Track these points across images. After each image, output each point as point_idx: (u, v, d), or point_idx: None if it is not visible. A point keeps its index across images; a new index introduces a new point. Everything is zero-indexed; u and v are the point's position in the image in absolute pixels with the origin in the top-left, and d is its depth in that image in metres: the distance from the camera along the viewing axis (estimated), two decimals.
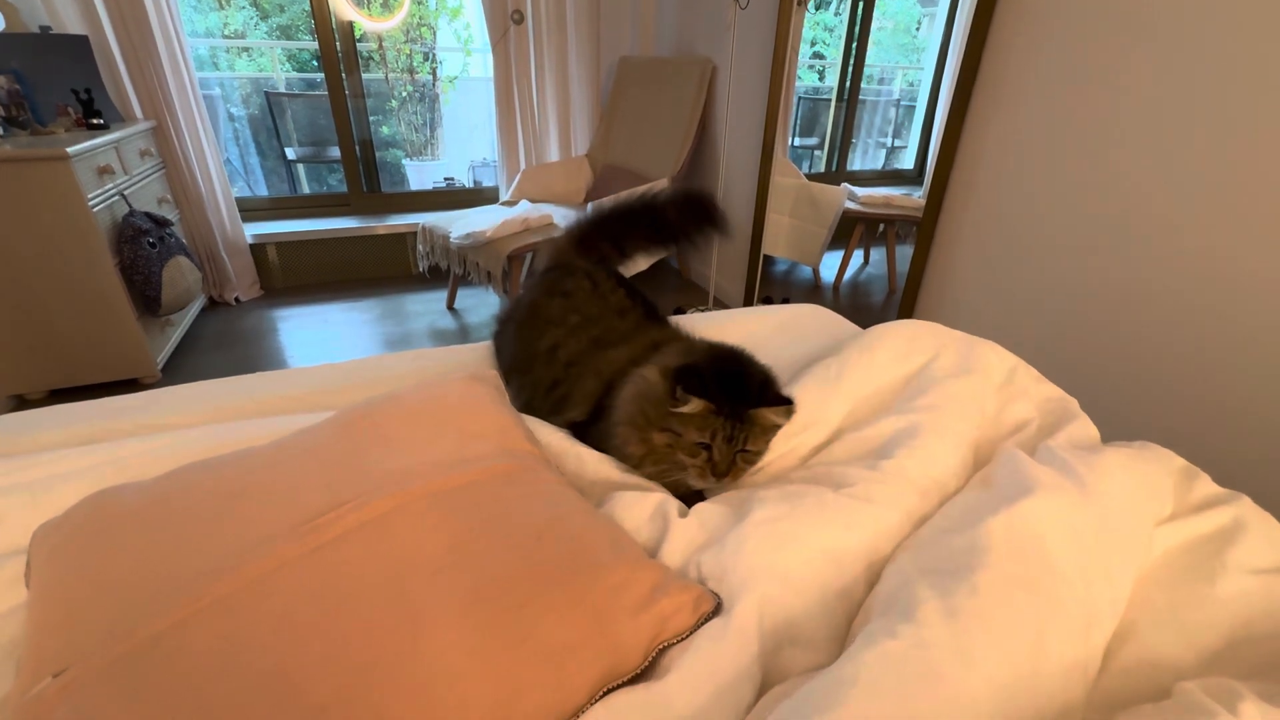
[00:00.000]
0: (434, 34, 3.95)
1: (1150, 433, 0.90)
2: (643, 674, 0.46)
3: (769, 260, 3.04)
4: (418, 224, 2.69)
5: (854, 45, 3.35)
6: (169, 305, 2.08)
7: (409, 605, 0.44)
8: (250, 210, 2.93)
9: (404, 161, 4.09)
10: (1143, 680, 0.54)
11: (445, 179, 3.68)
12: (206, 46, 3.78)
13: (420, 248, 2.67)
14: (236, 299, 2.72)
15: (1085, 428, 0.85)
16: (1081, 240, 1.44)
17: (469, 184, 3.67)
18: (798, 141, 4.37)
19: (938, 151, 1.87)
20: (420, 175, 4.00)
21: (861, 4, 3.29)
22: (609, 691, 0.45)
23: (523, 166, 3.03)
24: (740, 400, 0.70)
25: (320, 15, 2.77)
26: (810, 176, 3.29)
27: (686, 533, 0.61)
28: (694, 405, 0.68)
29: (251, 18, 4.19)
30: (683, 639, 0.48)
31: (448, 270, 2.69)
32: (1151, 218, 1.28)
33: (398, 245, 3.07)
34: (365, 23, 3.31)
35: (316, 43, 2.84)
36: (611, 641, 0.45)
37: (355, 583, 0.45)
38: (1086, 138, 1.38)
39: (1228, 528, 0.67)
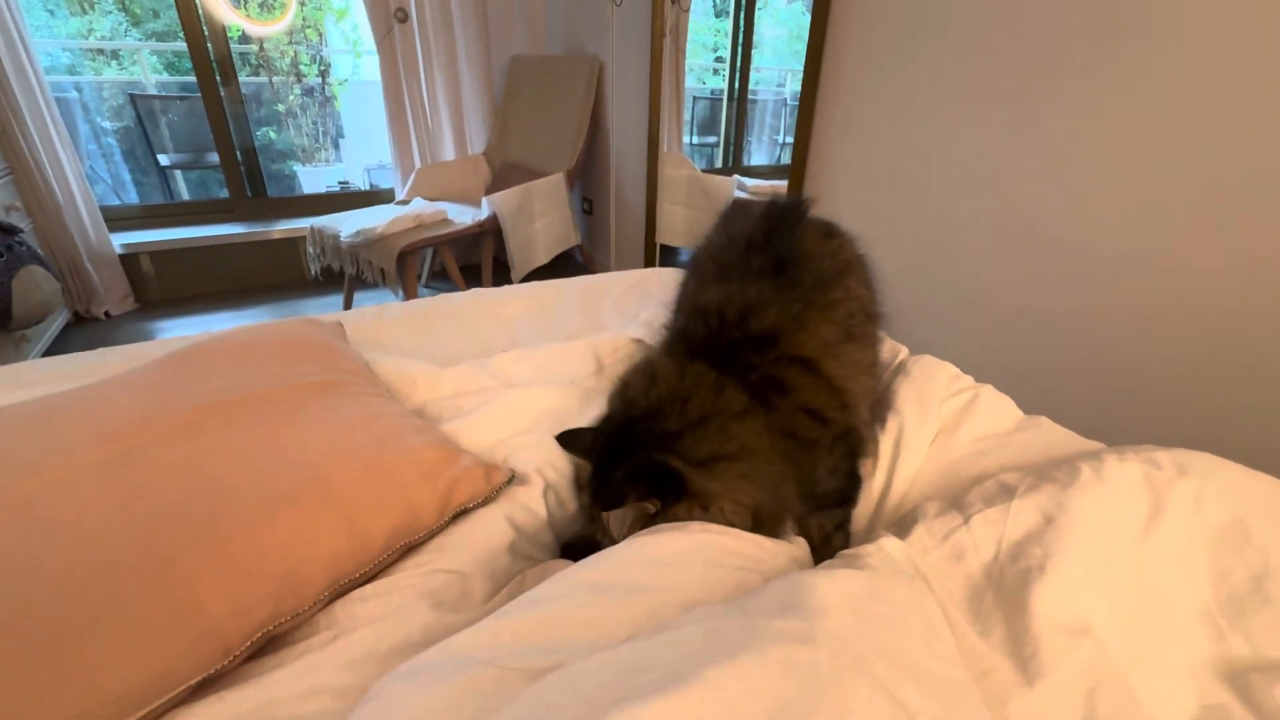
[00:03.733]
0: (320, 36, 3.85)
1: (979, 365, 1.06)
2: (441, 530, 0.53)
3: (675, 251, 3.17)
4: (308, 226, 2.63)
5: (739, 49, 3.59)
6: (22, 318, 1.94)
7: (214, 488, 0.48)
8: (120, 219, 2.75)
9: (296, 168, 3.96)
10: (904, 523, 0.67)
11: (340, 183, 3.59)
12: (63, 51, 3.52)
13: (311, 250, 2.61)
14: (106, 313, 2.55)
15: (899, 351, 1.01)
16: (913, 218, 1.64)
17: (365, 187, 3.61)
18: (697, 139, 4.57)
19: (794, 143, 2.05)
20: (314, 181, 3.88)
21: (744, 11, 3.48)
22: (412, 547, 0.51)
23: (417, 166, 3.01)
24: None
25: (187, 16, 2.65)
26: (710, 171, 3.43)
27: None
28: None
29: (121, 23, 3.94)
30: (480, 505, 0.54)
31: (341, 272, 2.64)
32: (954, 189, 1.49)
33: (289, 250, 2.97)
34: (248, 26, 3.19)
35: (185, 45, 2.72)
36: (405, 503, 0.51)
37: (161, 473, 0.49)
38: (908, 128, 1.58)
39: (967, 403, 0.82)
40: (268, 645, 0.48)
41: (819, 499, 0.66)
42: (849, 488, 0.69)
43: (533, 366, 0.84)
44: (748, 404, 0.58)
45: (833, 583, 0.43)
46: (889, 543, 0.58)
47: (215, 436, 0.52)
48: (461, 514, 0.57)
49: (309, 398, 0.59)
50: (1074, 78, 1.23)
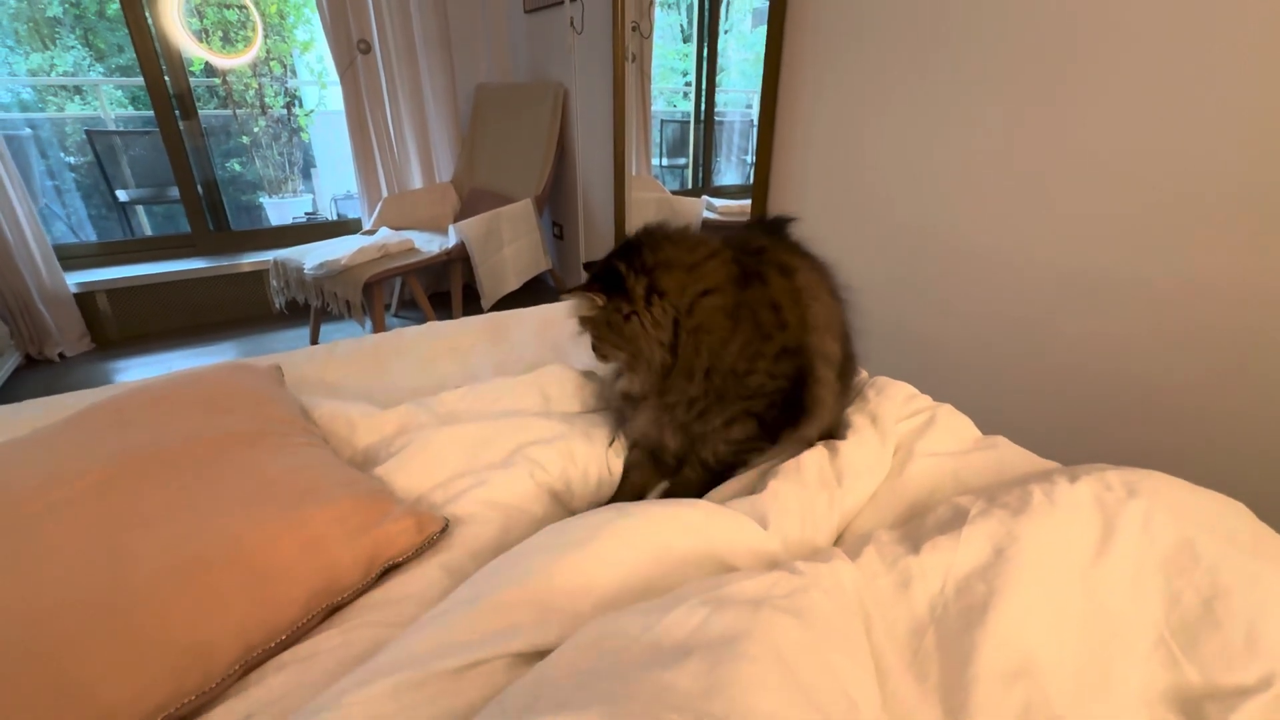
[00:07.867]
0: (285, 68, 3.84)
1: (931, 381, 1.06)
2: (368, 589, 0.50)
3: None
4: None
5: (704, 73, 3.66)
6: None
7: (117, 554, 0.45)
8: (75, 257, 2.68)
9: (263, 199, 3.91)
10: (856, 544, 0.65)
11: (306, 214, 3.55)
12: (24, 87, 3.45)
13: (274, 283, 2.56)
14: (61, 355, 2.47)
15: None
16: (874, 232, 1.65)
17: (332, 218, 3.57)
18: (667, 161, 4.63)
19: (756, 161, 2.07)
20: (282, 213, 3.83)
21: (707, 37, 3.54)
22: (337, 608, 0.48)
23: (384, 196, 2.99)
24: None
25: (144, 51, 2.63)
26: (681, 192, 3.44)
27: None
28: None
29: (84, 58, 3.89)
30: (412, 557, 0.52)
31: (307, 305, 2.60)
32: (912, 203, 1.51)
33: (254, 284, 2.92)
34: (211, 59, 3.17)
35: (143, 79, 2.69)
36: (326, 561, 0.48)
37: (60, 541, 0.45)
38: (865, 144, 1.61)
39: (924, 423, 0.81)
40: None
41: (740, 401, 0.72)
42: (763, 425, 0.74)
43: (478, 403, 0.81)
44: (728, 269, 0.69)
45: (766, 641, 0.41)
46: (842, 567, 0.56)
47: (123, 497, 0.49)
48: (392, 568, 0.54)
49: (228, 451, 0.56)
50: (1029, 93, 1.25)
